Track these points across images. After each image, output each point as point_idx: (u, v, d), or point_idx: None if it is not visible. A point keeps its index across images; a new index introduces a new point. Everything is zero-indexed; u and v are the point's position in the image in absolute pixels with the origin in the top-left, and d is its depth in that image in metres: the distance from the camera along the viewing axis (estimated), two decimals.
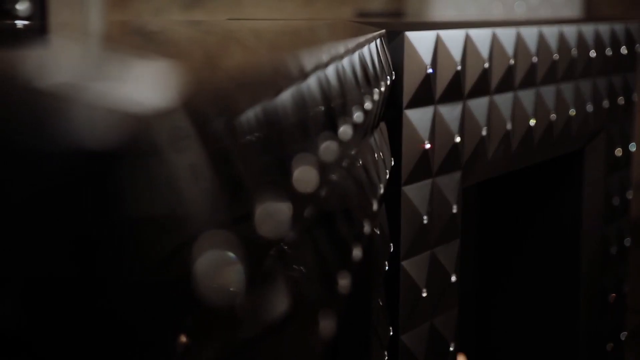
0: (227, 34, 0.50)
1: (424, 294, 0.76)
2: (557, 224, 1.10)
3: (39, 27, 0.54)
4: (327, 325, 0.37)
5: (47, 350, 0.18)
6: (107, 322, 0.19)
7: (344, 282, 0.43)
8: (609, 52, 1.08)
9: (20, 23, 0.48)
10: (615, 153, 1.13)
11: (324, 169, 0.35)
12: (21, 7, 0.60)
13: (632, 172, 1.19)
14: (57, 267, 0.18)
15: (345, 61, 0.46)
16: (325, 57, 0.40)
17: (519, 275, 1.12)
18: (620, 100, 1.13)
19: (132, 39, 0.44)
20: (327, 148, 0.35)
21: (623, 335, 1.19)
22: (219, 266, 0.21)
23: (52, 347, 0.18)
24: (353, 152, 0.47)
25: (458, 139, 0.79)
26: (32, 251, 0.18)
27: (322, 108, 0.36)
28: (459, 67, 0.78)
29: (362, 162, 0.52)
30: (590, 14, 1.44)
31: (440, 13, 1.14)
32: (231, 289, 0.22)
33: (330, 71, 0.40)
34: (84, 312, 0.18)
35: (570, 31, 0.99)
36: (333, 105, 0.39)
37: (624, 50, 1.12)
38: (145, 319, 0.19)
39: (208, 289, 0.20)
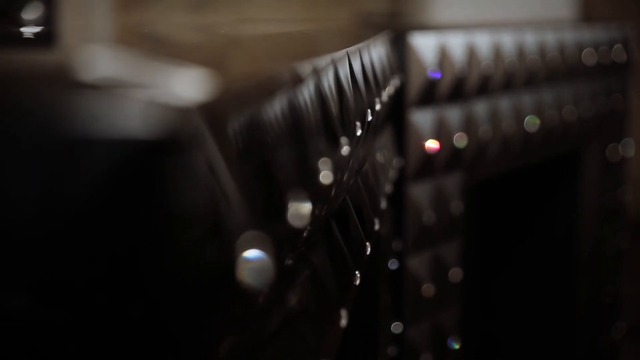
0: (238, 39, 0.51)
1: (428, 292, 0.77)
2: (556, 223, 1.11)
3: (50, 32, 0.55)
4: (340, 318, 0.39)
5: (84, 345, 0.19)
6: (148, 318, 0.19)
7: (356, 278, 0.44)
8: (605, 53, 1.09)
9: (27, 30, 0.48)
10: (613, 154, 1.14)
11: (338, 168, 0.36)
12: (29, 13, 0.60)
13: (629, 171, 1.20)
14: (103, 264, 0.19)
15: (356, 64, 0.47)
16: (337, 61, 0.41)
17: (518, 273, 1.13)
18: (617, 101, 1.14)
19: (148, 44, 0.45)
20: (342, 148, 0.37)
21: (620, 334, 1.20)
22: (252, 262, 0.22)
23: (90, 342, 0.19)
24: (364, 153, 0.48)
25: (461, 139, 0.80)
26: (78, 246, 0.19)
27: (337, 109, 0.37)
28: (462, 69, 0.79)
29: (371, 162, 0.53)
30: (587, 15, 1.45)
31: (439, 14, 1.15)
32: (262, 284, 0.23)
33: (343, 74, 0.41)
34: (127, 307, 0.19)
35: (568, 33, 1.00)
36: (346, 107, 0.40)
37: (620, 50, 1.13)
38: (185, 316, 0.20)
39: (245, 284, 0.21)
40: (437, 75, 0.75)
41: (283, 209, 0.26)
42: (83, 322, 0.19)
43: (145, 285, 0.19)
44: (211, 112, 0.22)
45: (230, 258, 0.22)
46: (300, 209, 0.26)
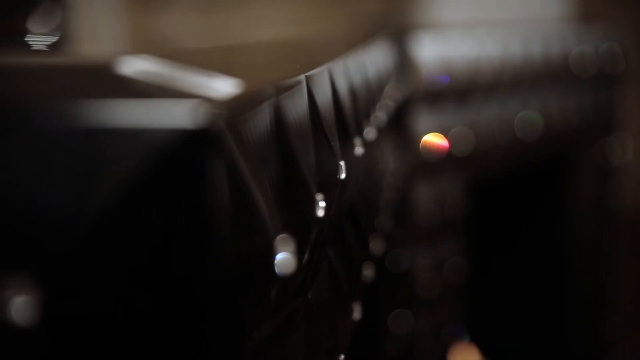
0: (250, 45, 0.53)
1: (429, 291, 0.78)
2: (552, 224, 1.12)
3: (65, 40, 0.55)
4: (353, 312, 0.40)
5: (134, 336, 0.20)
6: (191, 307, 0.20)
7: (365, 273, 0.45)
8: (602, 51, 1.10)
9: (43, 39, 0.49)
10: (609, 154, 1.15)
11: (352, 167, 0.37)
12: (46, 22, 0.60)
13: (628, 171, 1.21)
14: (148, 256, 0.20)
15: (366, 66, 0.49)
16: (346, 65, 0.42)
17: (515, 272, 1.14)
18: (614, 101, 1.15)
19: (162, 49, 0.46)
20: (356, 149, 0.38)
21: (615, 334, 1.20)
22: (284, 253, 0.24)
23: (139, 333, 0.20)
24: (373, 153, 0.49)
25: (466, 144, 0.81)
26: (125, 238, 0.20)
27: (350, 112, 0.39)
28: (465, 68, 0.80)
29: (377, 162, 0.55)
30: (584, 14, 1.46)
31: (439, 13, 1.16)
32: (289, 273, 0.24)
33: (352, 78, 0.42)
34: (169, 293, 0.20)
35: (567, 31, 1.01)
36: (357, 109, 0.41)
37: (616, 49, 1.14)
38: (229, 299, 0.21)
39: (279, 272, 0.23)
40: (445, 79, 0.76)
41: (312, 204, 0.27)
42: (127, 312, 0.20)
43: (185, 277, 0.20)
44: (238, 112, 0.23)
45: (261, 253, 0.23)
46: (322, 207, 0.28)
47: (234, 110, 0.22)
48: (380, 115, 0.54)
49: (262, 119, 0.25)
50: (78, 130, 0.19)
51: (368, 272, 0.46)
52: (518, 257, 1.14)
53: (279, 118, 0.26)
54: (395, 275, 0.76)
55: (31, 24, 0.58)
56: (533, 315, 1.13)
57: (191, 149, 0.20)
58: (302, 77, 0.32)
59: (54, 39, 0.49)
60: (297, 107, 0.29)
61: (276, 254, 0.23)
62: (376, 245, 0.52)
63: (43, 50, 0.36)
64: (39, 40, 0.44)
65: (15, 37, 0.49)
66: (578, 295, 1.12)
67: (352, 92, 0.42)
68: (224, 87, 0.23)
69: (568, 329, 1.13)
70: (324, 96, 0.34)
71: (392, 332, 0.74)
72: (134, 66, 0.22)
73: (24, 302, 0.20)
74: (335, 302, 0.35)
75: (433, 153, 0.77)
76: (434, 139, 0.75)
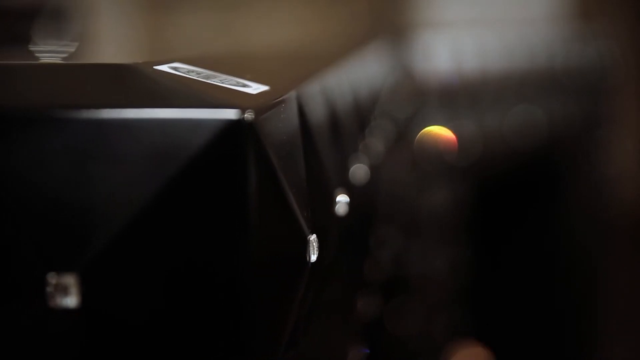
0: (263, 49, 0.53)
1: (430, 292, 0.79)
2: (552, 226, 1.12)
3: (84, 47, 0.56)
4: (361, 307, 0.41)
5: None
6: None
7: (369, 273, 0.46)
8: (598, 51, 1.10)
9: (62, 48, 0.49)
10: (608, 154, 1.16)
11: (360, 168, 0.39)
12: (40, 33, 0.60)
13: (625, 172, 1.21)
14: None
15: (368, 69, 0.50)
16: (353, 68, 0.44)
17: (515, 274, 1.14)
18: (611, 101, 1.15)
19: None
20: (366, 149, 0.39)
21: (612, 338, 1.21)
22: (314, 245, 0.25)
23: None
24: (377, 153, 0.50)
25: (467, 140, 0.81)
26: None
27: (357, 114, 0.40)
28: (469, 69, 0.81)
29: (381, 163, 0.56)
30: (581, 13, 1.46)
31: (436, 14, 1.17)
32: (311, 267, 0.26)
33: (359, 81, 0.44)
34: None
35: (564, 31, 1.02)
36: (364, 111, 0.43)
37: (611, 48, 1.14)
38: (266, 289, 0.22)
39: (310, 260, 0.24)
40: (454, 81, 0.77)
41: (332, 202, 0.28)
42: (168, 300, 0.22)
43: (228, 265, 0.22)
44: (268, 110, 0.24)
45: (291, 244, 0.24)
46: (343, 204, 0.29)
47: (266, 110, 0.23)
48: (383, 116, 0.55)
49: (288, 118, 0.26)
50: (139, 127, 0.21)
51: (371, 273, 0.48)
52: (519, 259, 1.14)
53: (302, 119, 0.28)
54: (396, 276, 0.76)
55: (45, 33, 0.58)
56: (532, 317, 1.14)
57: (231, 141, 0.21)
58: (318, 81, 0.34)
59: (74, 47, 0.50)
60: (316, 109, 0.31)
61: (306, 245, 0.25)
62: (378, 247, 0.53)
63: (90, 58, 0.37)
64: (66, 48, 0.45)
65: (40, 46, 0.50)
66: (578, 298, 1.13)
67: (359, 96, 0.43)
68: (255, 89, 0.25)
69: (566, 331, 1.13)
70: (338, 100, 0.36)
71: (392, 334, 0.74)
72: (174, 71, 0.24)
73: (70, 295, 0.21)
74: (345, 300, 0.37)
75: (441, 148, 0.77)
76: (440, 133, 0.75)
